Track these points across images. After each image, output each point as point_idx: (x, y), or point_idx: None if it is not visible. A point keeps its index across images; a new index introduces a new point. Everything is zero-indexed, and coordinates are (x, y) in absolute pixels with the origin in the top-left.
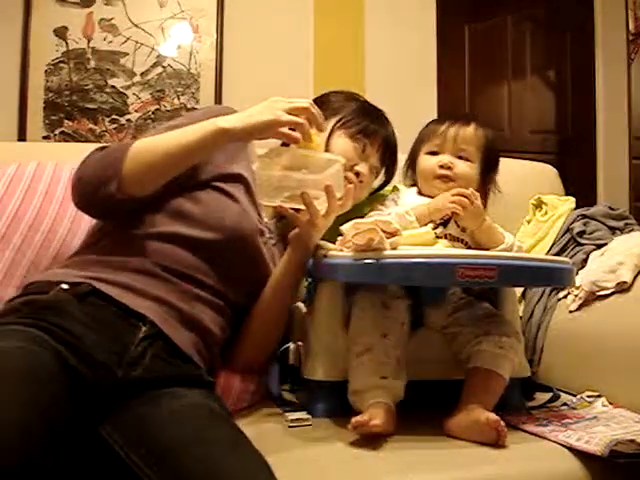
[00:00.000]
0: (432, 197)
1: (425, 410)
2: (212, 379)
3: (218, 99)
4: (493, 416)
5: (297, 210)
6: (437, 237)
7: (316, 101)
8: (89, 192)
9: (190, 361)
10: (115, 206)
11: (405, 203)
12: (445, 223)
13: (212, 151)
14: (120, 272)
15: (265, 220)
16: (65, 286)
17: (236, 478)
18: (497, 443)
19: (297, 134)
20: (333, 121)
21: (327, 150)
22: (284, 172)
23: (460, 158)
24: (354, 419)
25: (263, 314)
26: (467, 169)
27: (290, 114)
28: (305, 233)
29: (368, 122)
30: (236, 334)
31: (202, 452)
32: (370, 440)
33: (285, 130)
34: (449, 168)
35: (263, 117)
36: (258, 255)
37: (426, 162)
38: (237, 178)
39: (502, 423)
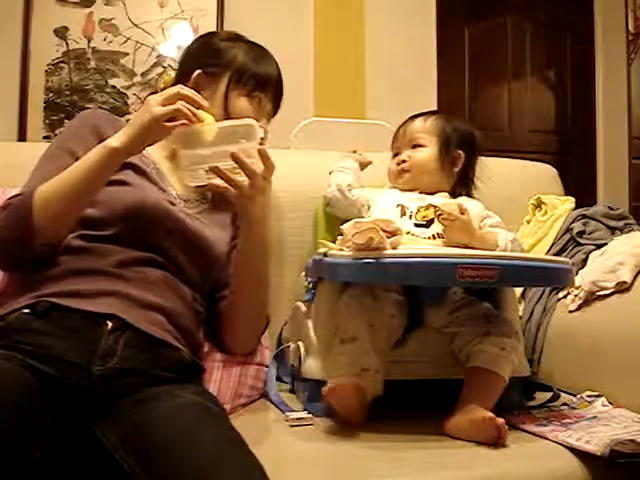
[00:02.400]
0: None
1: (425, 410)
2: (197, 360)
3: None
4: (492, 415)
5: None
6: (425, 239)
7: (207, 50)
8: (13, 257)
9: (165, 344)
10: (45, 255)
11: (378, 199)
12: (428, 224)
13: (113, 171)
14: (67, 282)
15: (173, 193)
16: (26, 310)
17: (227, 479)
18: (498, 442)
19: (183, 120)
20: (226, 77)
21: (227, 111)
22: (194, 150)
23: (415, 147)
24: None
25: (240, 293)
26: (421, 154)
27: (165, 106)
28: (240, 205)
29: (260, 71)
30: (218, 322)
31: (193, 452)
32: (371, 440)
33: (170, 124)
34: (404, 162)
35: (143, 120)
36: (175, 222)
37: (389, 165)
38: (121, 165)
39: (502, 421)
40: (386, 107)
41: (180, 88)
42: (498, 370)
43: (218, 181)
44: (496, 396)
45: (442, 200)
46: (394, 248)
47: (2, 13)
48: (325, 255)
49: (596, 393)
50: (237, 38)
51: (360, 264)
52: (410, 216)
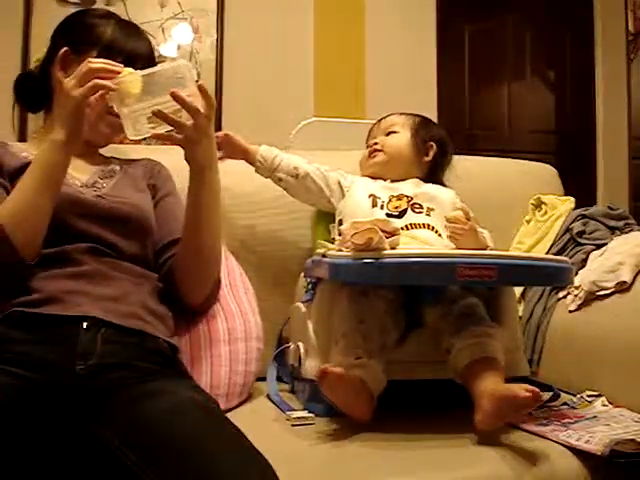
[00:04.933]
0: (375, 178)
1: (425, 410)
2: (172, 341)
3: (218, 99)
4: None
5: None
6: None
7: (76, 27)
8: (5, 280)
9: (142, 334)
10: (30, 269)
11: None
12: (401, 214)
13: (67, 165)
14: (35, 290)
15: (77, 182)
16: (2, 322)
17: (238, 476)
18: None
19: (106, 92)
20: (94, 54)
21: None
22: (133, 106)
23: (389, 134)
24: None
25: (191, 240)
26: (394, 139)
27: (82, 85)
28: (188, 151)
29: (128, 47)
30: (171, 278)
31: (201, 449)
32: (371, 440)
33: (93, 97)
34: (375, 144)
35: (67, 108)
36: (92, 208)
37: (362, 154)
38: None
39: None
40: (386, 107)
41: (89, 62)
42: (485, 353)
43: (160, 130)
44: (500, 369)
45: (414, 189)
46: (393, 248)
47: (2, 13)
48: (324, 256)
49: (596, 393)
50: (109, 15)
51: (359, 264)
52: (382, 206)
